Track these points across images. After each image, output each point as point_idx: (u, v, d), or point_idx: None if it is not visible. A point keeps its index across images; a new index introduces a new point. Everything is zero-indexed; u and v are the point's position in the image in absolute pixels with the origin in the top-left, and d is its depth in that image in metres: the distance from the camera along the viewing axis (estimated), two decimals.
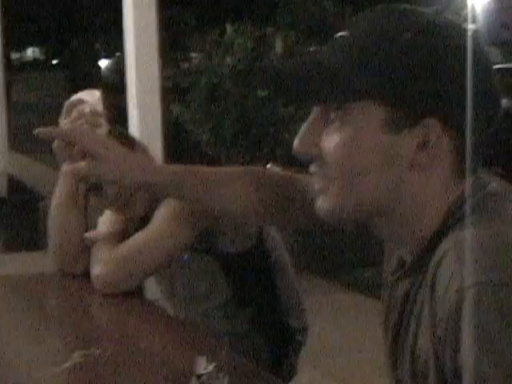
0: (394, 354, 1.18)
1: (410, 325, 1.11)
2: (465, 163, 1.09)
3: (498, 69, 8.51)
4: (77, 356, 1.67)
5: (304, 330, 2.38)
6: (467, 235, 1.00)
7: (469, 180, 1.10)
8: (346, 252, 5.47)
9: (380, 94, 1.06)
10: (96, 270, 2.16)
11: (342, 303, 5.09)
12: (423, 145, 1.06)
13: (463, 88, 1.05)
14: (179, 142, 6.31)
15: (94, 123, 2.14)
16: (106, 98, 2.20)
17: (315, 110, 1.13)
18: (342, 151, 1.08)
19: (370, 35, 1.08)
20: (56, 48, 39.99)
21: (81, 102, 2.18)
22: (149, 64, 4.26)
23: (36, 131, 1.42)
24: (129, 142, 2.18)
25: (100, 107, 2.16)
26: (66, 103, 2.18)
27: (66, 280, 2.33)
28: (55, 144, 1.50)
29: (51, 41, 39.14)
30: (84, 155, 1.41)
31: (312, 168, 1.15)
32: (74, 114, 2.14)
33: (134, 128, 4.27)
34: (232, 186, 1.47)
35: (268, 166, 5.91)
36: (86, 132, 1.58)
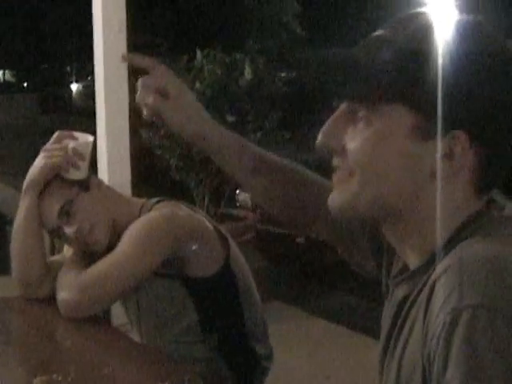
0: (384, 357, 1.18)
1: (403, 330, 1.10)
2: (487, 180, 1.09)
3: None
4: (38, 381, 1.66)
5: (269, 355, 2.38)
6: (472, 254, 0.98)
7: (486, 199, 1.10)
8: (313, 279, 5.47)
9: (413, 100, 1.05)
10: (61, 294, 2.15)
11: (309, 330, 5.08)
12: (448, 156, 1.05)
13: (497, 105, 1.05)
14: (148, 167, 6.29)
15: (71, 162, 2.14)
16: None
17: (343, 105, 1.13)
18: (365, 151, 1.08)
19: (410, 39, 1.07)
20: (27, 71, 39.83)
21: (71, 136, 2.18)
22: (118, 88, 4.25)
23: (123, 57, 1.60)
24: None
25: (86, 151, 2.16)
26: (58, 132, 2.19)
27: (30, 304, 2.31)
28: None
29: (22, 64, 38.99)
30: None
31: (335, 162, 1.14)
32: (58, 145, 2.13)
33: (103, 152, 4.25)
34: (267, 168, 1.50)
35: (237, 191, 5.91)
36: (165, 70, 1.56)
